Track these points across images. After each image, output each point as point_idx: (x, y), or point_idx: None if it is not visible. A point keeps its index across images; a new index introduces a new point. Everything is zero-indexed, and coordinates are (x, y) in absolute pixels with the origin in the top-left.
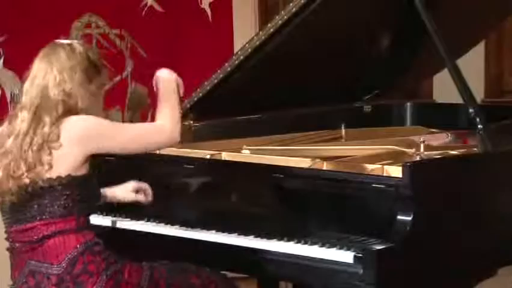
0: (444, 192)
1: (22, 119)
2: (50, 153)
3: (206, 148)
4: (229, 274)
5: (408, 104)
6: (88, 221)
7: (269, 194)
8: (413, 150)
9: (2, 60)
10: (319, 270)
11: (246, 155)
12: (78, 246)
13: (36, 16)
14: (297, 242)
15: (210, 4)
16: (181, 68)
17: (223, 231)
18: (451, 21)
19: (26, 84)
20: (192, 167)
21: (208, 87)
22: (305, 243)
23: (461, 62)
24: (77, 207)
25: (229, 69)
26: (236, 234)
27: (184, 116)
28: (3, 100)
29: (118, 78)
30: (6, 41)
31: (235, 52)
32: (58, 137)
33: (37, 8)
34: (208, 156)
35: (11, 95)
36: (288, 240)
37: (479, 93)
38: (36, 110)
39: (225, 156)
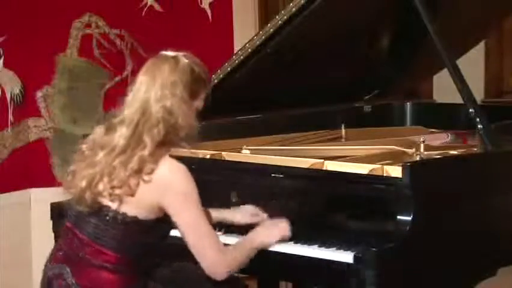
0: (444, 192)
1: (120, 134)
2: (138, 184)
3: (206, 148)
4: None
5: (408, 104)
6: (134, 268)
7: (269, 194)
8: (413, 150)
9: (2, 60)
10: (319, 270)
11: (246, 155)
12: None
13: (36, 16)
14: (296, 242)
15: (210, 4)
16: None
17: (223, 232)
18: (451, 21)
19: (129, 97)
20: (192, 167)
21: None
22: (305, 243)
23: (461, 62)
24: (125, 248)
25: (229, 69)
26: (235, 234)
27: None
28: (3, 100)
29: (118, 78)
30: (6, 41)
31: (235, 52)
32: (152, 172)
33: (37, 8)
34: (208, 156)
35: (11, 95)
36: (288, 240)
37: (479, 93)
38: (136, 127)
39: (225, 156)
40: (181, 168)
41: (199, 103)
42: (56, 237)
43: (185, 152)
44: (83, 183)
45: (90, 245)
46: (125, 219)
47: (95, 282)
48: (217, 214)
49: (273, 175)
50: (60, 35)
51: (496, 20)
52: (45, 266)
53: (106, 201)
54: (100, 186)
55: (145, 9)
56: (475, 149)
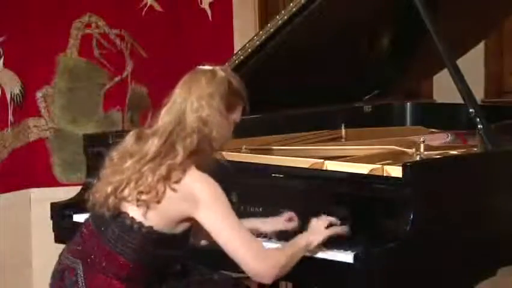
0: (444, 192)
1: (152, 143)
2: (165, 192)
3: None
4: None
5: (408, 104)
6: (146, 277)
7: (268, 194)
8: (413, 150)
9: (2, 60)
10: (319, 270)
11: (246, 155)
12: None
13: (36, 16)
14: None
15: (210, 4)
16: (181, 68)
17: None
18: (451, 21)
19: (164, 110)
20: None
21: None
22: None
23: (461, 62)
24: (139, 258)
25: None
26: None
27: None
28: (3, 100)
29: (118, 78)
30: (6, 41)
31: (235, 52)
32: (179, 181)
33: (37, 8)
34: None
35: (11, 95)
36: (288, 240)
37: (479, 93)
38: (169, 137)
39: (225, 156)
40: (205, 177)
41: (236, 116)
42: (57, 237)
43: None
44: (109, 189)
45: (106, 252)
46: (140, 229)
47: None
48: (247, 224)
49: (273, 175)
50: (60, 35)
51: (496, 20)
52: (62, 253)
53: (126, 208)
54: (126, 192)
55: (145, 9)
56: (475, 149)
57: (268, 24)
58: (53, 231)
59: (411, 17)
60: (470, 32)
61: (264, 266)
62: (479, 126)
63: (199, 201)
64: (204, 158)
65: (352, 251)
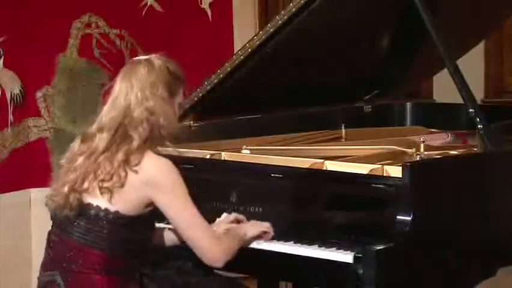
0: (444, 192)
1: (100, 138)
2: (126, 175)
3: (206, 148)
4: (228, 274)
5: (408, 104)
6: (123, 267)
7: (268, 194)
8: (413, 150)
9: (2, 60)
10: (319, 270)
11: (246, 155)
12: None
13: (36, 16)
14: (296, 242)
15: (210, 4)
16: (181, 68)
17: None
18: (451, 21)
19: (107, 106)
20: (192, 166)
21: (208, 87)
22: (305, 243)
23: (461, 62)
24: (112, 247)
25: (229, 69)
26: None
27: (184, 116)
28: (3, 100)
29: None
30: (6, 41)
31: (235, 52)
32: (139, 163)
33: (37, 8)
34: (208, 156)
35: (11, 95)
36: (288, 240)
37: (479, 93)
38: (118, 128)
39: (225, 156)
40: (165, 161)
41: (179, 99)
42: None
43: (185, 152)
44: (66, 188)
45: (78, 249)
46: (107, 216)
47: (87, 287)
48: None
49: (273, 175)
50: (60, 35)
51: (496, 20)
52: (40, 273)
53: (89, 199)
54: (86, 184)
55: (145, 9)
56: (475, 149)
57: (268, 24)
58: None
59: (412, 17)
60: (470, 32)
61: (219, 252)
62: (479, 126)
63: (159, 185)
64: (157, 145)
65: (352, 251)
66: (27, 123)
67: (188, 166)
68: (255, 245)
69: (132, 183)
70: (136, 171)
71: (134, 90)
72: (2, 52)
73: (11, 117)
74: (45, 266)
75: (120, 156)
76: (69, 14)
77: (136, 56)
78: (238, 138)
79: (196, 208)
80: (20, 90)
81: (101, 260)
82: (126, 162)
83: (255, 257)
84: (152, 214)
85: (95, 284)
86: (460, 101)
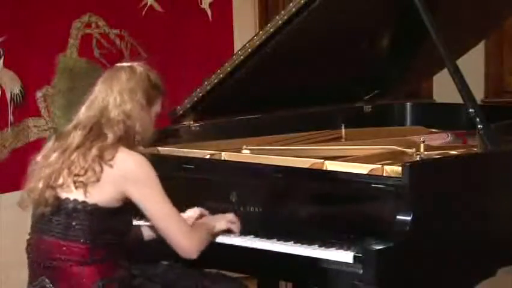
0: (444, 192)
1: (74, 135)
2: (102, 170)
3: (206, 148)
4: (229, 274)
5: (408, 104)
6: (108, 255)
7: (268, 194)
8: (413, 150)
9: (2, 60)
10: (319, 270)
11: (246, 155)
12: (92, 284)
13: (36, 16)
14: (296, 242)
15: (210, 4)
16: (181, 68)
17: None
18: (451, 21)
19: (84, 106)
20: (192, 166)
21: (208, 87)
22: (305, 243)
23: (461, 62)
24: (94, 238)
25: (229, 69)
26: (235, 234)
27: (184, 116)
28: (3, 100)
29: None
30: (6, 41)
31: (235, 52)
32: (112, 158)
33: (37, 8)
34: (207, 156)
35: (11, 95)
36: (288, 240)
37: (479, 93)
38: (93, 126)
39: (225, 156)
40: (139, 156)
41: (157, 108)
42: None
43: (185, 152)
44: (40, 184)
45: (60, 245)
46: (86, 208)
47: (75, 280)
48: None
49: (273, 175)
50: (60, 35)
51: (496, 20)
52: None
53: (65, 194)
54: (61, 180)
55: (145, 9)
56: (475, 149)
57: (268, 24)
58: None
59: (412, 17)
60: (470, 32)
61: (193, 244)
62: (479, 126)
63: (134, 178)
64: (129, 147)
65: (352, 251)
66: (27, 123)
67: (189, 166)
68: (254, 244)
69: (108, 178)
70: (111, 166)
71: (114, 93)
72: (2, 52)
73: (11, 117)
74: (31, 277)
75: (94, 151)
76: (69, 14)
77: (136, 56)
78: (238, 138)
79: (170, 202)
80: (20, 90)
81: (85, 251)
82: (100, 157)
83: (254, 257)
84: (131, 203)
85: (83, 275)
86: (460, 101)
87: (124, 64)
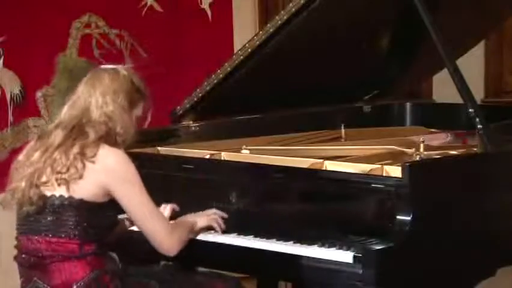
0: (444, 192)
1: (56, 134)
2: (84, 167)
3: (206, 148)
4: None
5: (408, 104)
6: (98, 248)
7: (268, 194)
8: (413, 150)
9: (2, 60)
10: (319, 270)
11: (246, 155)
12: (84, 276)
13: (36, 16)
14: (296, 242)
15: (210, 4)
16: (181, 68)
17: (222, 232)
18: (451, 21)
19: (66, 106)
20: (192, 166)
21: (208, 87)
22: (305, 243)
23: (461, 62)
24: (83, 233)
25: (229, 69)
26: (235, 234)
27: (184, 116)
28: (3, 100)
29: None
30: (6, 41)
31: (235, 52)
32: (95, 155)
33: (37, 8)
34: (207, 156)
35: (10, 95)
36: (287, 240)
37: (479, 93)
38: (75, 125)
39: (225, 156)
40: (121, 152)
41: (138, 111)
42: None
43: (185, 152)
44: (23, 183)
45: (49, 243)
46: (72, 203)
47: (67, 275)
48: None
49: (272, 175)
50: (60, 35)
51: (496, 20)
52: None
53: (51, 191)
54: (44, 178)
55: (145, 9)
56: (475, 149)
57: (268, 24)
58: None
59: (412, 17)
60: (470, 32)
61: (173, 241)
62: (479, 126)
63: (116, 173)
64: (112, 146)
65: (352, 251)
66: (27, 123)
67: (188, 166)
68: (254, 244)
69: (90, 174)
70: (93, 162)
71: (96, 94)
72: (2, 52)
73: (11, 117)
74: (24, 282)
75: (76, 149)
76: (69, 14)
77: (136, 55)
78: (237, 138)
79: (151, 200)
80: (20, 90)
81: (75, 246)
82: (82, 154)
83: (254, 257)
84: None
85: (75, 269)
86: (460, 101)
87: (108, 66)
